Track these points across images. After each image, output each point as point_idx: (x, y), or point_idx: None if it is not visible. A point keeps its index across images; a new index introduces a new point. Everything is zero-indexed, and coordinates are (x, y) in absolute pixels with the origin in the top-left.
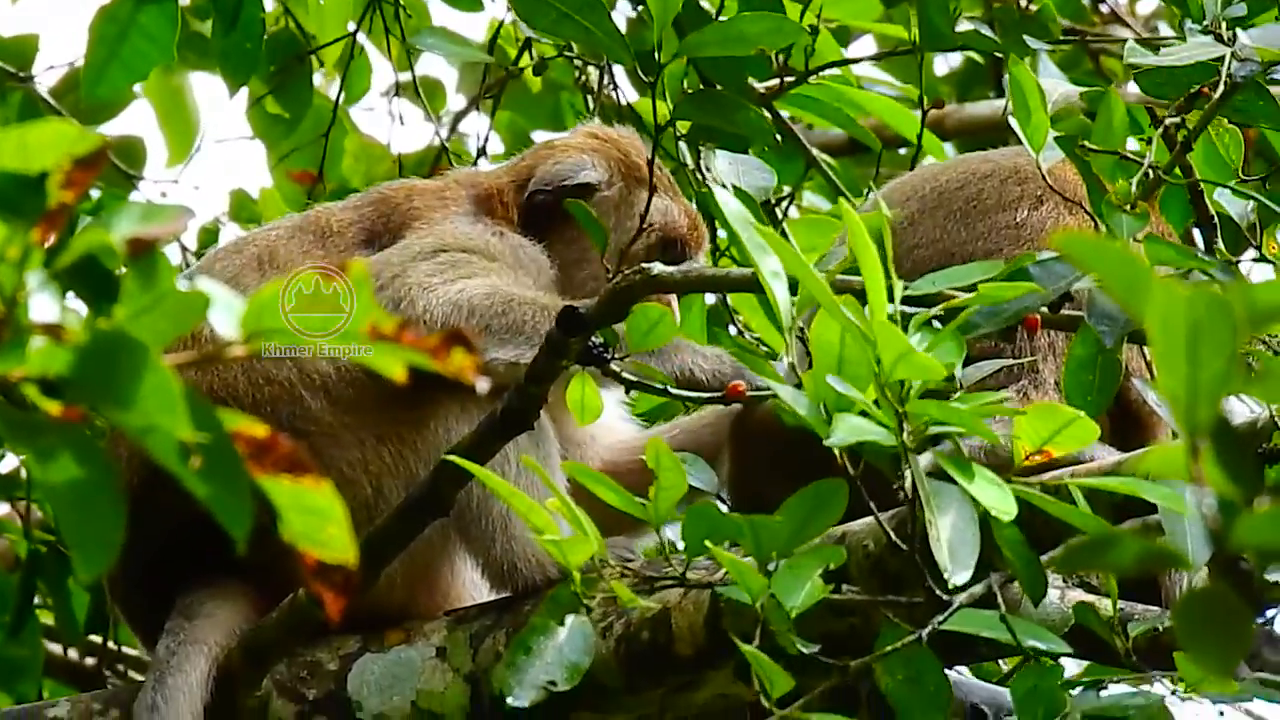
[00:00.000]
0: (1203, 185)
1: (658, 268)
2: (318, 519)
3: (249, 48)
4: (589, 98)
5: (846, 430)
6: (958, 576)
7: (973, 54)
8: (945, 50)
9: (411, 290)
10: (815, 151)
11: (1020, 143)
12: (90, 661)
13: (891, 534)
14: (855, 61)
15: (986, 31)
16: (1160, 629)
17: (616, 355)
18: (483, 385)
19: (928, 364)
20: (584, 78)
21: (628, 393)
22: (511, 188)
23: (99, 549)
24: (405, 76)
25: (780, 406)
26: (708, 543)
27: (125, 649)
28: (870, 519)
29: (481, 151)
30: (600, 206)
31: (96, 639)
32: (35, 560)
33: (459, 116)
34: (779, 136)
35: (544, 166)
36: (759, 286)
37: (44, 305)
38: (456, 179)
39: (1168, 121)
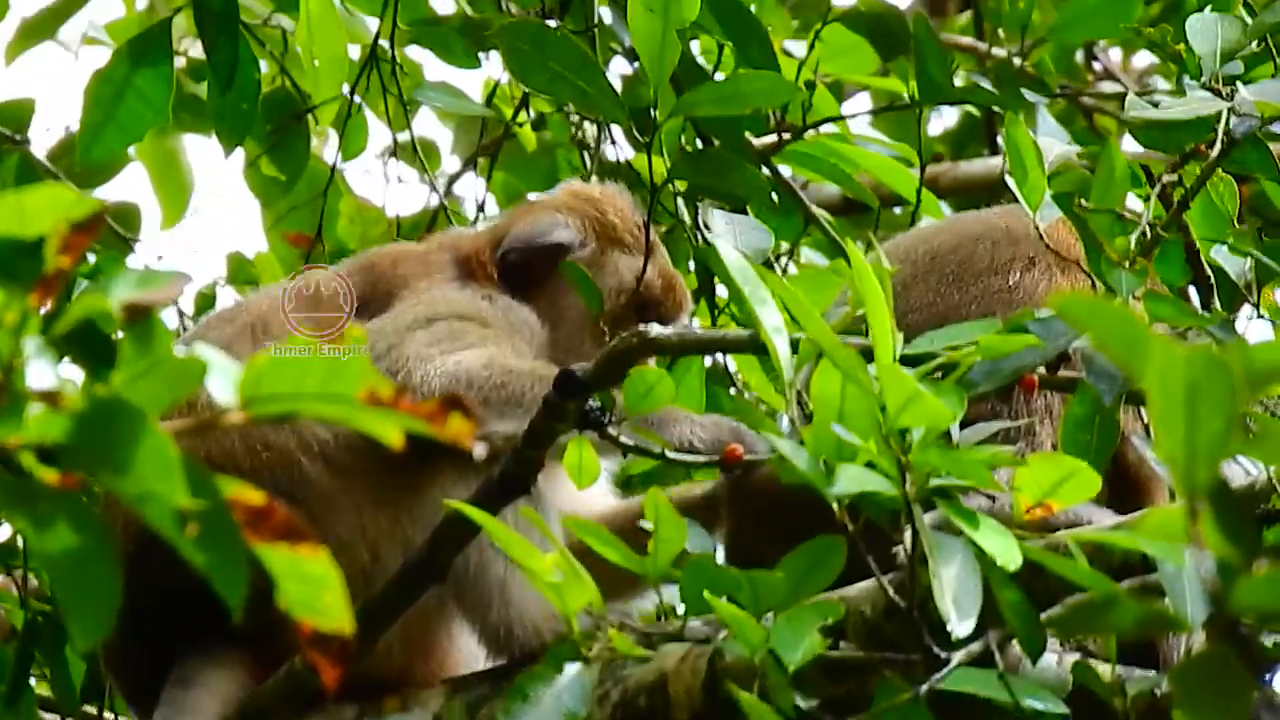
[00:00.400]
0: (1200, 243)
1: (654, 329)
2: (314, 587)
3: (245, 108)
4: (585, 154)
5: (849, 480)
6: (961, 627)
7: (970, 109)
8: (944, 104)
9: (409, 361)
10: (814, 208)
11: (1015, 201)
12: None
13: (890, 591)
14: (853, 117)
15: (985, 84)
16: (1158, 692)
17: (613, 420)
18: (479, 450)
19: (935, 407)
20: (580, 134)
21: (625, 456)
22: (488, 248)
23: (95, 617)
24: (401, 137)
25: (780, 464)
26: (706, 594)
27: None
28: (867, 584)
29: (480, 210)
30: None
31: (92, 709)
32: (32, 629)
33: (454, 178)
34: (776, 195)
35: (517, 226)
36: (756, 347)
37: (41, 371)
38: (440, 243)
39: (1165, 180)
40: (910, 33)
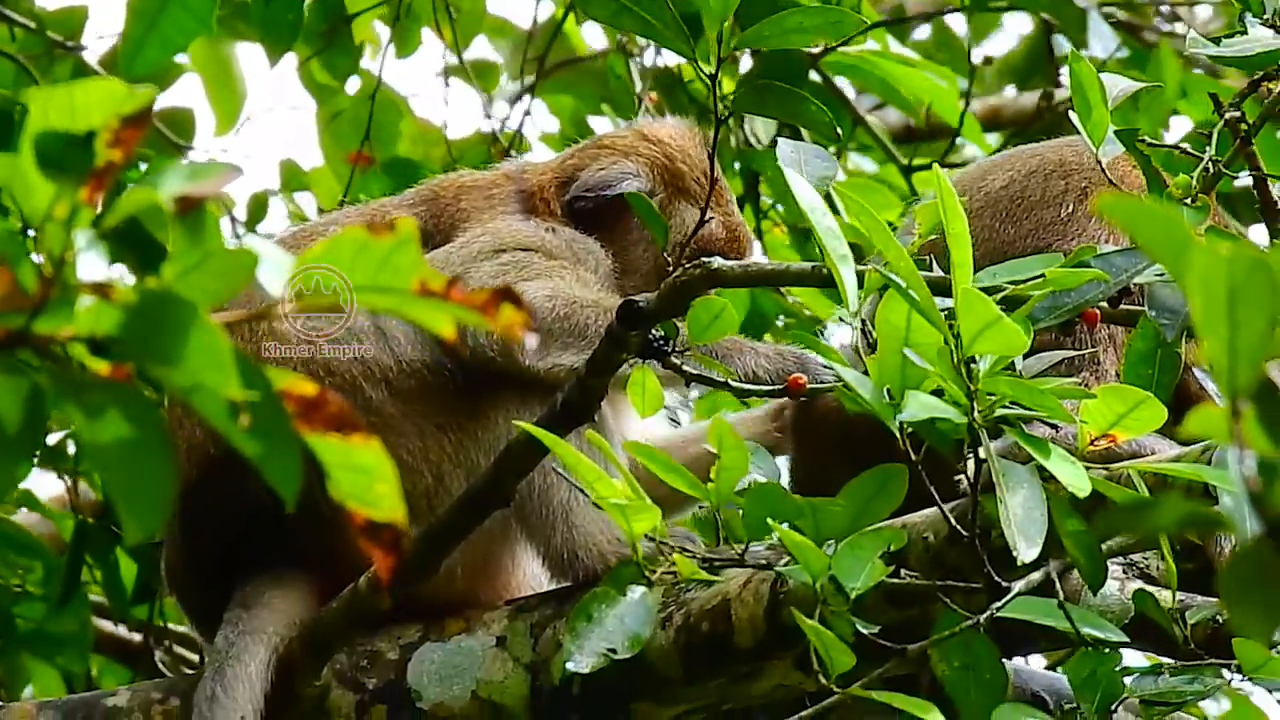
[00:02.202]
0: (1267, 177)
1: (717, 262)
2: (366, 477)
3: (290, 19)
4: (630, 63)
5: (917, 406)
6: (1028, 553)
7: (1031, 38)
8: (995, 8)
9: None
10: (863, 114)
11: (1074, 133)
12: (138, 638)
13: (953, 520)
14: (900, 21)
15: None
16: (1219, 619)
17: (677, 350)
18: (531, 341)
19: (1011, 334)
20: (627, 41)
21: (688, 385)
22: (554, 185)
23: (148, 507)
24: (454, 61)
25: (844, 393)
26: (769, 521)
27: (171, 625)
28: (929, 511)
29: (527, 114)
30: None
31: (142, 616)
32: (83, 532)
33: (515, 99)
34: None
35: (587, 171)
36: (821, 280)
37: (92, 264)
38: (506, 173)
39: (1228, 116)
40: None
